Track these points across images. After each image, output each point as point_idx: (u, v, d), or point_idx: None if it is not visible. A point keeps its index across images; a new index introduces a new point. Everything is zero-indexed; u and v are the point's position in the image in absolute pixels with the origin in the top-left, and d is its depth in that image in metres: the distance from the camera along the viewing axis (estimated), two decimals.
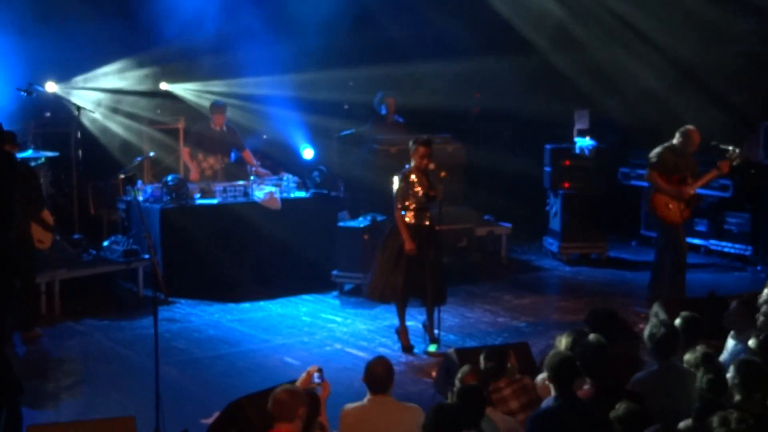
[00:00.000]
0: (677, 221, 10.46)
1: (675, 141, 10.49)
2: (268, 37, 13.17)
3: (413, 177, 8.93)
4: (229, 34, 13.05)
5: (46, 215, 9.70)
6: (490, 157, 13.86)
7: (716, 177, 10.74)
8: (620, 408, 5.14)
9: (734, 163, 10.46)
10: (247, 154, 12.25)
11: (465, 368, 5.97)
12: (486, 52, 14.23)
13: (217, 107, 12.06)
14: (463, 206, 12.65)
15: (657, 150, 10.54)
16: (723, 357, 6.81)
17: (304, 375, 5.92)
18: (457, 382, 5.84)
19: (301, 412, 5.31)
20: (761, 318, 6.94)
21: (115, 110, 12.67)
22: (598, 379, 5.75)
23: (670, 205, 10.41)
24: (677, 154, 10.45)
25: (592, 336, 5.90)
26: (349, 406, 5.95)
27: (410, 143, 9.07)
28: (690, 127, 10.48)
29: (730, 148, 11.13)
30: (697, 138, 10.44)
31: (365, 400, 5.94)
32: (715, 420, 4.74)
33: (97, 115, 12.20)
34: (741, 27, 13.79)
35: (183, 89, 13.22)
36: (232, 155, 12.42)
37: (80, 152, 11.72)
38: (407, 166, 9.04)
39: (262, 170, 12.08)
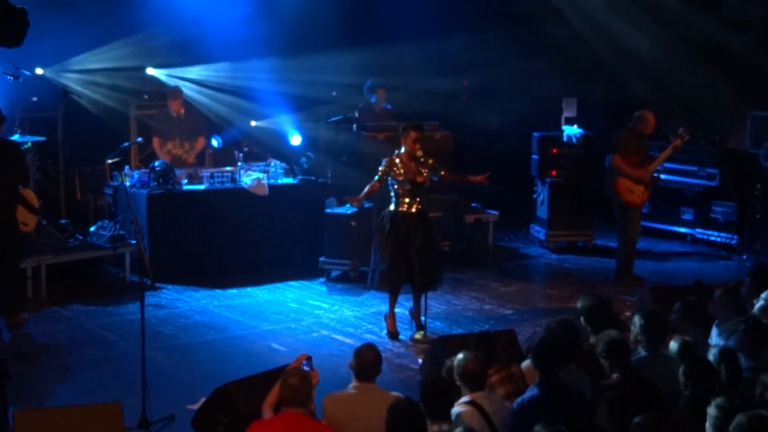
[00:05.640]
0: (639, 204, 10.93)
1: (633, 124, 10.86)
2: (253, 20, 13.09)
3: (398, 162, 8.89)
4: (217, 18, 12.99)
5: (31, 196, 9.65)
6: (477, 144, 13.89)
7: (671, 154, 10.99)
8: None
9: (685, 139, 10.79)
10: (200, 140, 12.16)
11: (467, 355, 5.79)
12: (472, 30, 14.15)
13: (170, 92, 11.94)
14: (450, 193, 12.64)
15: (618, 134, 10.95)
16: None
17: (293, 363, 5.90)
18: (458, 369, 5.76)
19: (312, 395, 5.30)
20: (762, 302, 6.99)
21: (102, 95, 12.60)
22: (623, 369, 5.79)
23: (632, 189, 10.74)
24: (637, 138, 10.80)
25: (614, 332, 5.95)
26: (333, 394, 5.88)
27: (401, 128, 9.06)
28: (645, 110, 10.88)
29: (717, 137, 11.22)
30: (653, 120, 10.85)
31: (350, 387, 5.87)
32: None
33: (84, 100, 12.13)
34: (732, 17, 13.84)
35: (169, 75, 13.14)
36: (216, 139, 12.30)
37: (67, 137, 11.66)
38: (396, 152, 9.01)
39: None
